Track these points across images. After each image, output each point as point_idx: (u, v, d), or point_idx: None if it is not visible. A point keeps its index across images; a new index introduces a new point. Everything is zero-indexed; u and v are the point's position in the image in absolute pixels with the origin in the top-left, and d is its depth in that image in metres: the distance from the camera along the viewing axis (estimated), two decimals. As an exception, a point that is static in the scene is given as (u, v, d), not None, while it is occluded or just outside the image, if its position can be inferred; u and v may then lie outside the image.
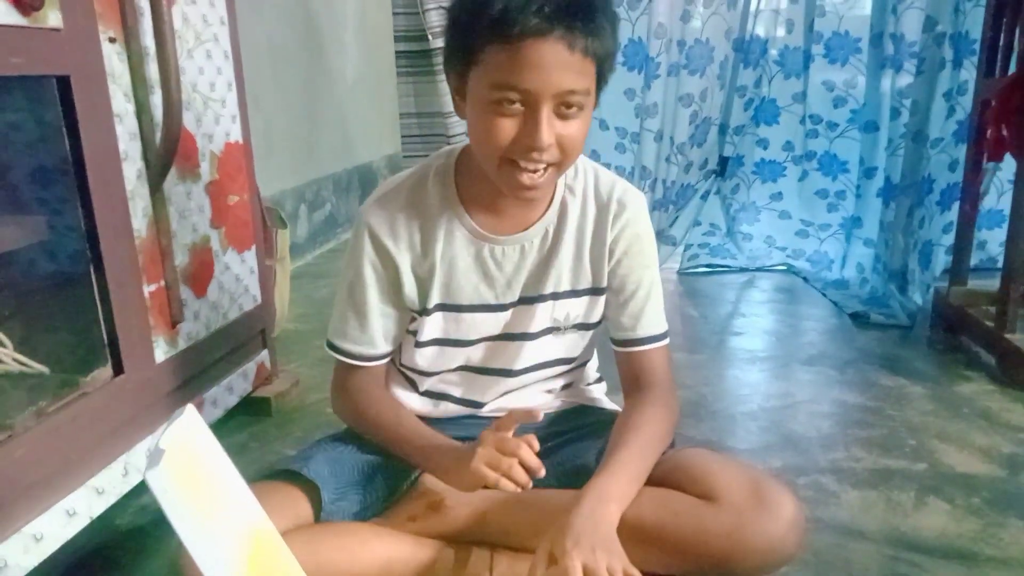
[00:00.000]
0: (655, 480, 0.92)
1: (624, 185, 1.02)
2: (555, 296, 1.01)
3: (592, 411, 1.12)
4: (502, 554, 0.93)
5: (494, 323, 1.02)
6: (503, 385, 1.07)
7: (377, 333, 1.00)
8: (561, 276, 1.00)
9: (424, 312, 1.00)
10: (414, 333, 1.02)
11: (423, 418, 1.05)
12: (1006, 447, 1.43)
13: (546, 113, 0.82)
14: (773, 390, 1.73)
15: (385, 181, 1.02)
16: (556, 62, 0.79)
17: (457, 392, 1.08)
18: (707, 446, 0.99)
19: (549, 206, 0.99)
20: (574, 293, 1.02)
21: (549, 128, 0.82)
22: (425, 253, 0.97)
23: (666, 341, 1.04)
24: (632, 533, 0.86)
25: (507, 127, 0.83)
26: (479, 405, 1.08)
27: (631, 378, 1.04)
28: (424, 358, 1.03)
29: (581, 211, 0.99)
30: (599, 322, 1.06)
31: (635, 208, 1.00)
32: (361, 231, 0.98)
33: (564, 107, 0.82)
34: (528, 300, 1.01)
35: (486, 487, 0.87)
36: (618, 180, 1.02)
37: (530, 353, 1.03)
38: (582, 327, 1.04)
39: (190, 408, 0.71)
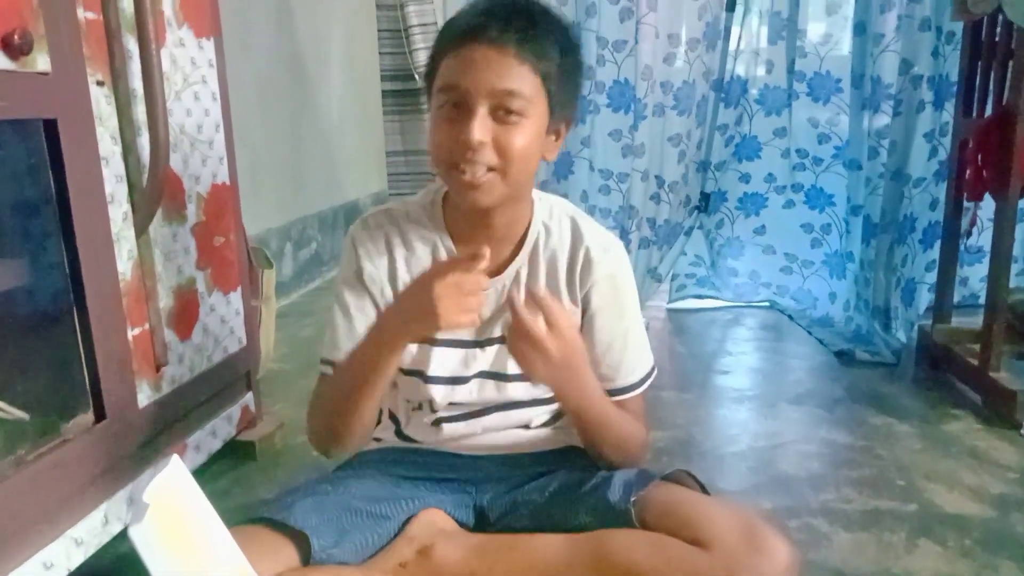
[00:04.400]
0: (647, 524, 0.91)
1: (598, 235, 1.03)
2: None
3: (583, 452, 1.11)
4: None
5: (465, 361, 1.02)
6: (479, 425, 1.07)
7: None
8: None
9: None
10: None
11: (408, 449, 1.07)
12: (995, 487, 1.43)
13: (480, 112, 0.87)
14: (762, 429, 1.73)
15: (373, 209, 1.06)
16: (487, 62, 0.87)
17: (431, 436, 1.08)
18: (694, 473, 1.00)
19: (523, 242, 1.00)
20: None
21: (481, 126, 0.87)
22: (411, 277, 1.00)
23: (645, 386, 1.05)
24: None
25: (447, 130, 0.89)
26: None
27: None
28: (401, 386, 1.05)
29: (552, 257, 1.01)
30: None
31: (609, 259, 1.01)
32: (349, 250, 1.03)
33: (503, 112, 0.88)
34: (502, 340, 1.01)
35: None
36: (593, 229, 1.03)
37: (509, 394, 1.04)
38: None
39: (175, 459, 0.70)
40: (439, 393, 1.03)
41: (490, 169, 0.89)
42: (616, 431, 1.00)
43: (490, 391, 1.04)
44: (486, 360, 1.03)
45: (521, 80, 0.88)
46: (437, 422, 1.06)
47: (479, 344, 1.02)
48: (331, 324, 1.04)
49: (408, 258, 1.02)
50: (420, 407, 1.07)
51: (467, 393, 1.04)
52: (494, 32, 0.86)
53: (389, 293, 1.02)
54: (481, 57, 0.87)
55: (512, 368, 1.02)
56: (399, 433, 1.10)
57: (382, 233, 1.02)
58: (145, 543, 0.60)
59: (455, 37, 0.89)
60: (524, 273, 1.01)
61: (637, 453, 1.04)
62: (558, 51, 0.90)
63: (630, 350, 1.03)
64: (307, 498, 0.95)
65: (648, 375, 1.06)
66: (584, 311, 1.02)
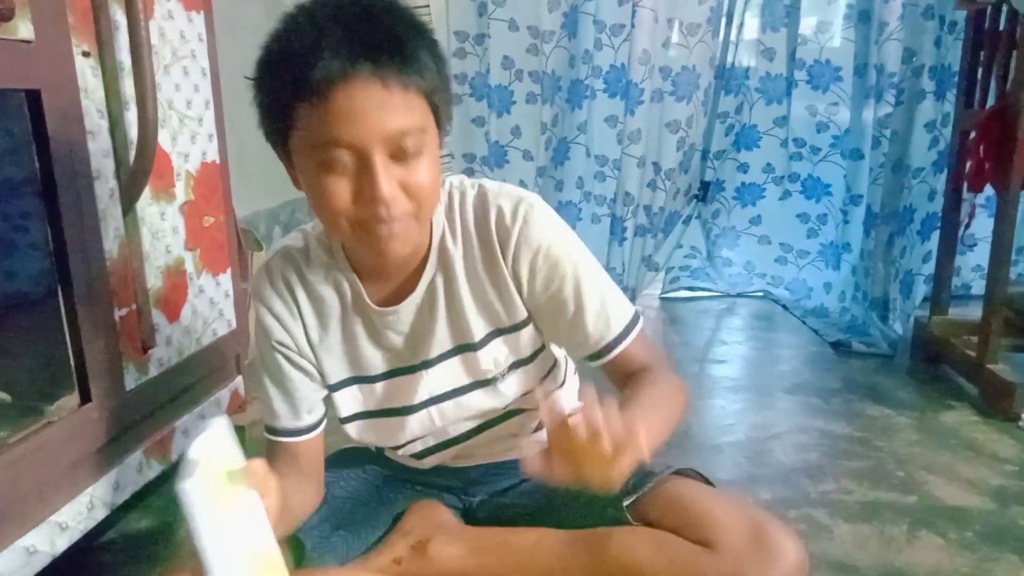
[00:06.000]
0: (649, 520, 0.88)
1: (505, 202, 0.87)
2: (472, 347, 0.91)
3: None
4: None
5: (411, 387, 0.93)
6: (457, 450, 1.00)
7: (301, 403, 0.93)
8: (469, 325, 0.90)
9: (333, 388, 0.93)
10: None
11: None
12: (994, 479, 1.42)
13: (380, 162, 0.73)
14: (759, 420, 1.71)
15: (274, 248, 0.94)
16: (373, 104, 0.70)
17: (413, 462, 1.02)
18: (698, 472, 0.95)
19: (428, 252, 0.88)
20: (495, 334, 0.92)
21: (388, 178, 0.73)
22: (323, 327, 0.91)
23: (635, 330, 0.91)
24: None
25: (343, 187, 0.74)
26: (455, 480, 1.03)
27: (622, 379, 0.92)
28: (356, 433, 0.97)
29: (464, 251, 0.88)
30: (539, 350, 0.96)
31: (522, 223, 0.86)
32: (257, 316, 0.92)
33: (400, 151, 0.74)
34: (445, 355, 0.92)
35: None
36: (499, 198, 0.87)
37: (471, 409, 0.95)
38: (519, 364, 0.94)
39: (219, 419, 0.68)
40: (387, 430, 0.95)
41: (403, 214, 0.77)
42: (676, 415, 0.88)
43: (451, 411, 0.95)
44: (432, 385, 0.93)
45: (411, 111, 0.73)
46: (417, 455, 1.00)
47: (413, 369, 0.92)
48: (263, 388, 0.94)
49: (315, 306, 0.91)
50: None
51: (426, 423, 0.95)
52: (367, 65, 0.69)
53: (308, 352, 0.92)
54: (362, 101, 0.70)
55: (467, 377, 0.93)
56: (380, 450, 1.05)
57: (284, 285, 0.91)
58: (193, 502, 0.59)
59: (314, 80, 0.69)
60: (440, 281, 0.89)
61: (684, 388, 0.92)
62: (432, 58, 0.75)
63: (590, 306, 0.88)
64: None
65: (630, 326, 0.91)
66: (518, 286, 0.89)
